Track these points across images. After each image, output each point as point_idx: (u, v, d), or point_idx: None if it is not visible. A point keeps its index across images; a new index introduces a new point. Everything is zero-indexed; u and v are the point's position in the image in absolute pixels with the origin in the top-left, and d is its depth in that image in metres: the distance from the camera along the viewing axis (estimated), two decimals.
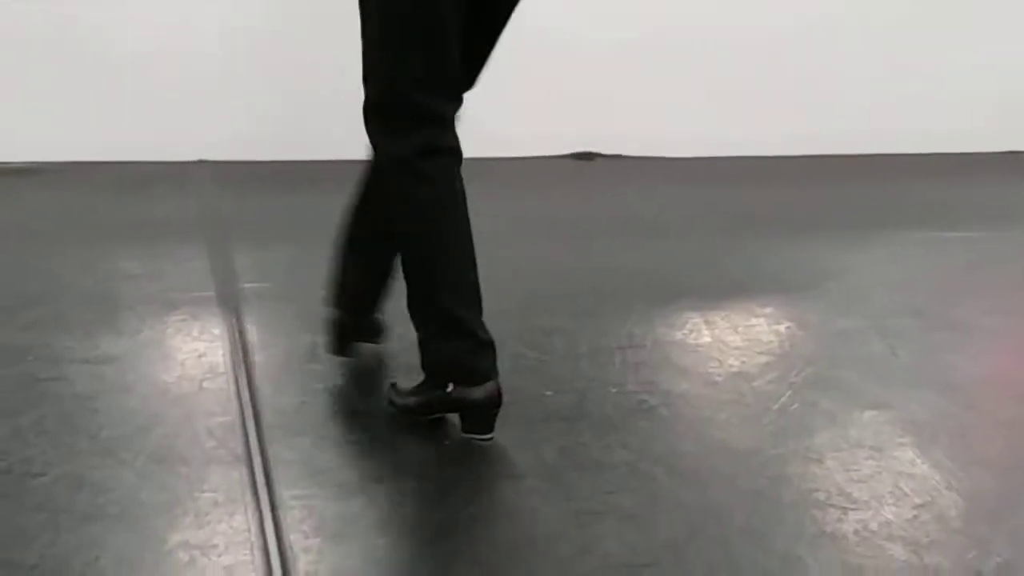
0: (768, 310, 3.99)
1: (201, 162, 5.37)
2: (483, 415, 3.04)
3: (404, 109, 2.93)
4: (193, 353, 3.49)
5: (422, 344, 3.05)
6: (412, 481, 2.93)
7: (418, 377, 3.10)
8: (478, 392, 3.01)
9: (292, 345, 3.47)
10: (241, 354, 3.47)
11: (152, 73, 5.22)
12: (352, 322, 3.38)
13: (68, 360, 3.40)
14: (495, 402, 3.03)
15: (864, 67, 5.92)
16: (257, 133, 5.26)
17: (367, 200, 3.25)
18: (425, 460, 3.00)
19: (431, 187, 2.96)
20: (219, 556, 2.52)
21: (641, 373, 3.48)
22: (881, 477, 2.95)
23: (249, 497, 2.74)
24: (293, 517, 2.67)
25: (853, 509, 2.79)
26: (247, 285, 3.97)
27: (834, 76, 5.91)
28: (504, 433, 3.06)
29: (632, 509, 2.77)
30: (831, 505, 2.81)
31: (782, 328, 3.85)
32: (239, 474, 2.84)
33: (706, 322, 3.86)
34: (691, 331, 3.81)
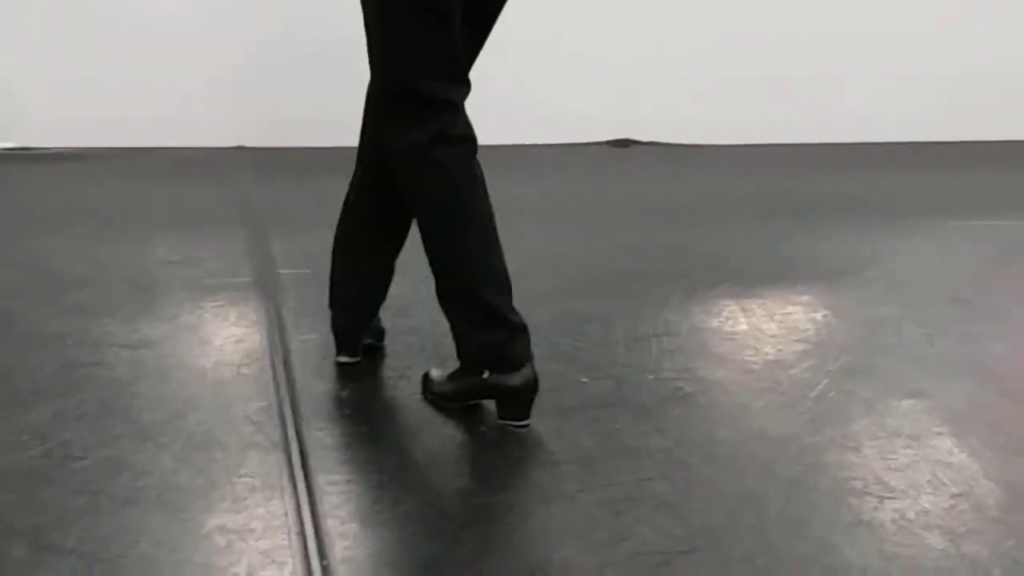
0: (805, 298, 3.98)
1: (239, 148, 5.39)
2: (519, 401, 3.04)
3: (412, 97, 2.88)
4: (231, 339, 3.50)
5: (456, 333, 3.05)
6: (448, 467, 2.94)
7: (453, 365, 3.10)
8: (514, 378, 3.01)
9: (329, 331, 3.47)
10: (278, 340, 3.48)
11: (191, 60, 5.24)
12: (355, 324, 3.36)
13: (108, 345, 3.41)
14: (531, 388, 3.03)
15: (901, 54, 5.89)
16: (295, 119, 5.27)
17: (361, 199, 3.21)
18: (461, 446, 3.00)
19: (447, 176, 2.92)
20: (256, 540, 2.53)
21: (677, 360, 3.48)
22: (918, 466, 2.95)
23: (286, 482, 2.75)
24: (330, 502, 2.68)
25: (890, 498, 2.78)
26: (285, 271, 3.98)
27: (872, 64, 5.88)
28: (540, 420, 3.07)
29: (668, 496, 2.77)
30: (868, 493, 2.81)
31: (819, 316, 3.84)
32: (276, 459, 2.85)
33: (743, 309, 3.85)
34: (727, 318, 3.80)
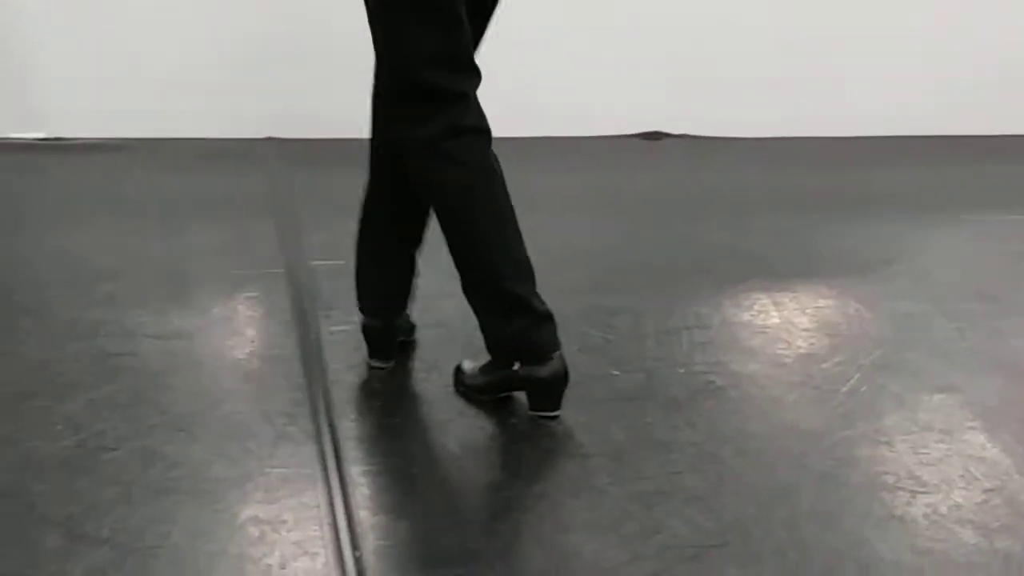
0: (836, 291, 3.97)
1: (269, 139, 5.40)
2: (550, 392, 3.05)
3: (421, 91, 2.85)
4: (263, 329, 3.52)
5: (481, 324, 3.05)
6: (480, 459, 2.95)
7: (485, 358, 3.10)
8: (544, 370, 3.01)
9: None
10: (310, 331, 3.49)
11: (221, 50, 5.24)
12: (385, 326, 3.33)
13: (140, 335, 3.43)
14: (561, 379, 3.03)
15: (935, 44, 5.86)
16: (326, 110, 5.27)
17: (375, 208, 3.19)
18: (492, 438, 3.01)
19: (463, 169, 2.90)
20: (289, 531, 2.54)
21: (708, 353, 3.48)
22: (951, 460, 2.94)
23: (319, 473, 2.76)
24: (362, 494, 2.69)
25: (922, 492, 2.78)
26: (316, 262, 3.98)
27: (901, 58, 5.85)
28: (571, 412, 3.07)
29: (699, 490, 2.77)
30: (900, 488, 2.80)
31: (850, 310, 3.83)
32: (308, 450, 2.86)
33: (774, 303, 3.85)
34: (759, 312, 3.80)
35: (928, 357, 3.50)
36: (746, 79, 5.65)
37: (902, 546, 2.58)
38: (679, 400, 3.20)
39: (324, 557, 2.46)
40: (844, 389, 3.28)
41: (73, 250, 4.08)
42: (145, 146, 5.22)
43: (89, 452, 2.82)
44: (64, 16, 5.17)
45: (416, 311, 3.41)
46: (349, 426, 2.99)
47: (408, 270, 3.24)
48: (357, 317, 3.31)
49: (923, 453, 2.96)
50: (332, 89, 5.32)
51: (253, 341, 3.44)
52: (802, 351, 3.53)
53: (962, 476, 2.87)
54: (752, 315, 3.78)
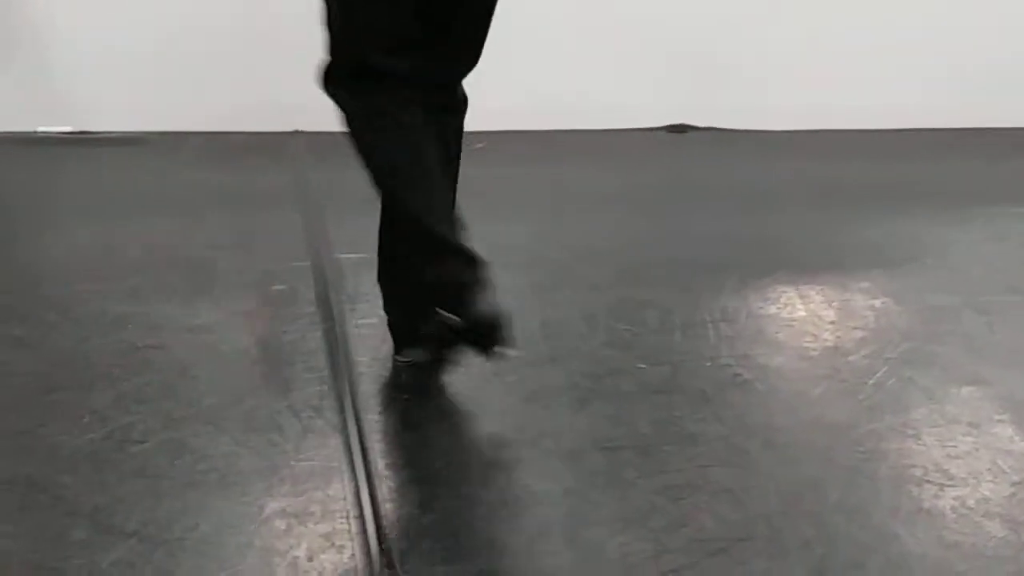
0: (864, 284, 3.95)
1: (296, 133, 5.40)
2: (489, 332, 2.97)
3: (358, 65, 2.95)
4: (289, 322, 3.52)
5: (409, 276, 3.07)
6: (507, 452, 2.94)
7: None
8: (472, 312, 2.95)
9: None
10: (337, 324, 3.49)
11: (248, 44, 5.25)
12: (407, 323, 3.34)
13: (167, 328, 3.43)
14: (496, 319, 2.95)
15: (962, 36, 5.84)
16: None
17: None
18: (520, 431, 3.00)
19: (394, 139, 2.99)
20: (316, 524, 2.55)
21: (735, 346, 3.47)
22: (979, 454, 2.93)
23: (345, 466, 2.76)
24: (388, 487, 2.70)
25: (950, 486, 2.77)
26: (343, 256, 3.98)
27: (930, 50, 5.83)
28: (598, 405, 3.07)
29: (726, 483, 2.77)
30: (928, 481, 2.79)
31: (878, 303, 3.81)
32: (335, 443, 2.86)
33: (801, 296, 3.83)
34: (785, 305, 3.79)
35: (956, 350, 3.49)
36: (772, 71, 5.63)
37: (930, 539, 2.57)
38: (706, 393, 3.20)
39: (351, 550, 2.47)
40: (871, 382, 3.27)
41: (99, 243, 4.09)
42: (172, 140, 5.23)
43: (116, 445, 2.83)
44: (91, 10, 5.18)
45: None
46: (375, 419, 2.99)
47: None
48: (382, 311, 3.31)
49: (951, 446, 2.95)
50: None
51: (279, 334, 3.44)
52: (829, 344, 3.51)
53: (990, 469, 2.85)
54: (779, 308, 3.77)
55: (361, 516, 2.57)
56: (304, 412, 2.99)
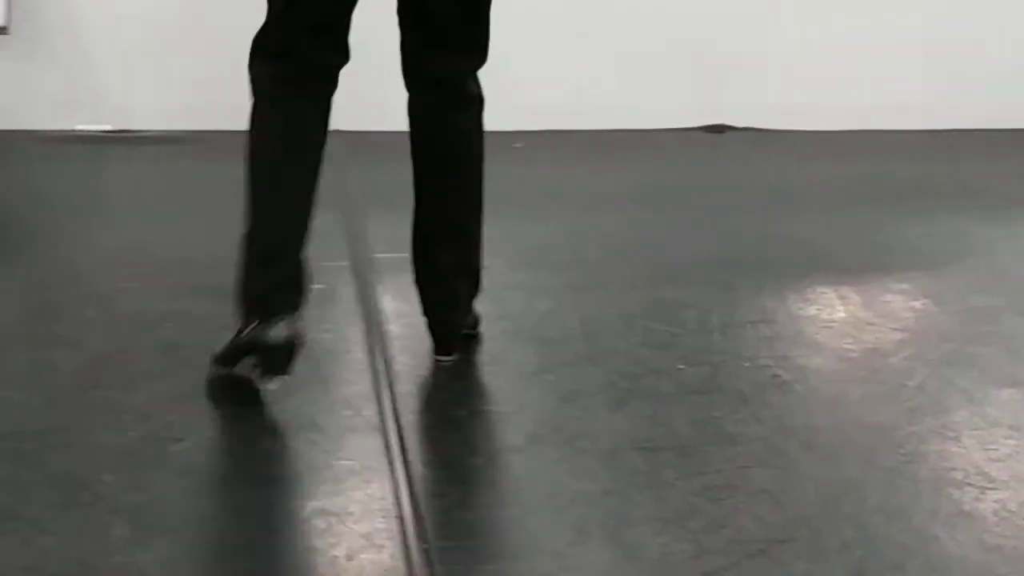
0: (904, 285, 3.93)
1: (335, 132, 5.40)
2: (278, 356, 3.01)
3: (267, 37, 3.21)
4: (328, 322, 3.51)
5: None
6: (545, 451, 2.94)
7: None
8: (270, 332, 3.00)
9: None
10: (375, 324, 3.49)
11: None
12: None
13: (206, 327, 3.44)
14: (289, 346, 3.01)
15: (1000, 36, 5.81)
16: (392, 102, 5.28)
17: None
18: (558, 431, 3.00)
19: (275, 117, 3.26)
20: (355, 523, 2.55)
21: (775, 347, 3.46)
22: (1020, 456, 2.92)
23: (384, 466, 2.77)
24: (427, 486, 2.70)
25: (991, 488, 2.76)
26: (381, 255, 3.98)
27: (967, 50, 5.80)
28: (636, 405, 3.07)
29: (766, 484, 2.76)
30: (969, 484, 2.78)
31: (917, 304, 3.80)
32: (374, 443, 2.87)
33: (840, 297, 3.82)
34: (825, 306, 3.77)
35: (997, 352, 3.47)
36: (810, 71, 5.61)
37: (971, 542, 2.56)
38: (745, 394, 3.19)
39: (391, 549, 2.47)
40: (911, 384, 3.26)
41: (138, 242, 4.10)
42: (211, 139, 5.24)
43: (156, 443, 2.84)
44: (131, 9, 5.20)
45: (482, 303, 3.41)
46: (414, 418, 3.00)
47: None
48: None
49: (992, 449, 2.94)
50: (399, 81, 5.33)
51: (318, 333, 3.44)
52: (868, 346, 3.50)
53: None
54: (818, 309, 3.76)
55: (400, 516, 2.57)
56: (343, 411, 3.00)
